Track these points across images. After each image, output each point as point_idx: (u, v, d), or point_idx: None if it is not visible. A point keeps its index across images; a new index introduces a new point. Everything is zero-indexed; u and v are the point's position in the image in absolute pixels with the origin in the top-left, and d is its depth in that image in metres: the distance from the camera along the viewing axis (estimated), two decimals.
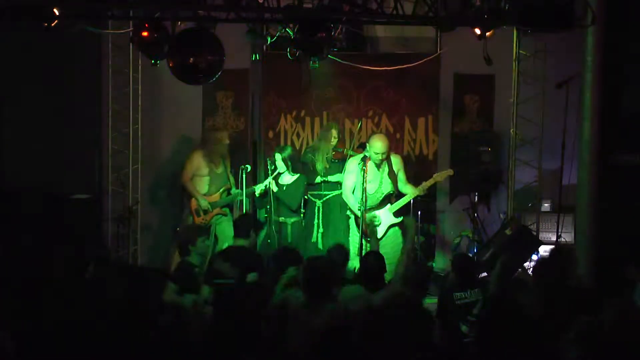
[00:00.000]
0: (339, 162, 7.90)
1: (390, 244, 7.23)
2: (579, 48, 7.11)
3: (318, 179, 7.87)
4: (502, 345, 3.64)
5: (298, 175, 7.72)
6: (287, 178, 7.72)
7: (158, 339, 4.16)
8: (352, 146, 8.21)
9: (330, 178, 7.88)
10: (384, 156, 7.25)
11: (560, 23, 5.63)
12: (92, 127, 8.45)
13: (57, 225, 7.58)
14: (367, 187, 7.15)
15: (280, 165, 7.66)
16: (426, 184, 7.32)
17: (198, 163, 7.84)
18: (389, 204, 7.35)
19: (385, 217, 7.32)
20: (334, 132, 7.93)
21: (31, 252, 6.81)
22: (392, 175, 7.31)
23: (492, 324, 3.76)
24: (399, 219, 7.32)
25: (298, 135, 8.82)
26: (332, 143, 7.92)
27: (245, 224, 6.75)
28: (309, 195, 7.90)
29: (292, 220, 7.72)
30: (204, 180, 7.85)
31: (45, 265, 5.67)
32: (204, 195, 7.83)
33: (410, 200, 7.43)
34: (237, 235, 6.73)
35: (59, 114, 8.17)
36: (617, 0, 7.21)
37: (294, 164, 7.70)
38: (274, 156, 7.75)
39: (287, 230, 7.69)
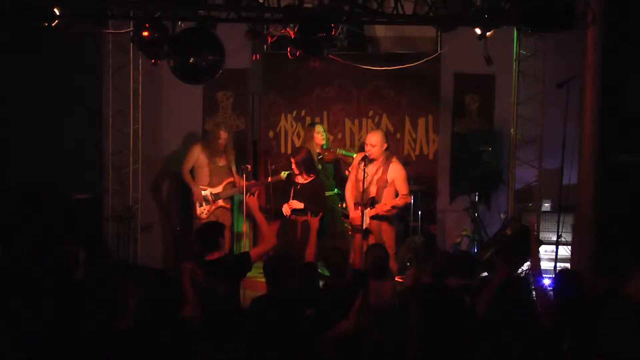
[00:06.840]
0: (330, 163, 7.87)
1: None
2: (579, 48, 7.10)
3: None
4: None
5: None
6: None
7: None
8: (346, 147, 8.19)
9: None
10: (375, 150, 6.96)
11: (560, 23, 5.64)
12: (92, 127, 8.45)
13: (57, 225, 7.57)
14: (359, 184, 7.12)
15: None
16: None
17: (197, 155, 8.02)
18: (368, 208, 7.04)
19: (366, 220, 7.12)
20: (319, 128, 7.86)
21: (31, 252, 6.79)
22: (381, 181, 7.02)
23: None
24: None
25: (298, 136, 8.81)
26: (318, 142, 7.81)
27: (212, 234, 5.62)
28: None
29: None
30: (204, 172, 8.01)
31: (45, 266, 5.64)
32: (206, 186, 7.98)
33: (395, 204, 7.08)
34: (209, 248, 5.52)
35: (59, 114, 8.17)
36: (617, 0, 7.21)
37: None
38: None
39: None
